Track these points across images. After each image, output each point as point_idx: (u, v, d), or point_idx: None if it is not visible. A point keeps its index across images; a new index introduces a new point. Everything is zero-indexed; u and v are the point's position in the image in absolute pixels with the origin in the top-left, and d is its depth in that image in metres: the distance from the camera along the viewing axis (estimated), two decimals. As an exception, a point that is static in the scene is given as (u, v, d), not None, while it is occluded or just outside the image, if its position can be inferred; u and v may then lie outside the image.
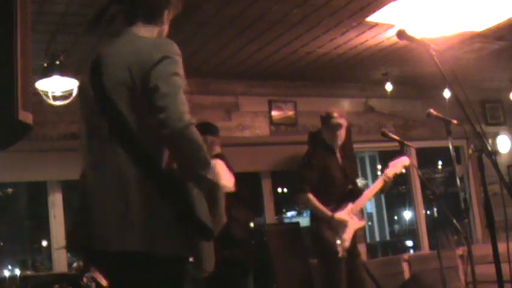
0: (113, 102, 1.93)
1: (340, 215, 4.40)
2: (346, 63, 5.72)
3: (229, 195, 3.95)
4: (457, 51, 5.45)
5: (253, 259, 4.14)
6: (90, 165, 2.02)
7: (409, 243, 8.70)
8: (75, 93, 4.31)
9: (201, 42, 4.79)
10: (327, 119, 4.56)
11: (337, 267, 4.34)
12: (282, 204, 8.39)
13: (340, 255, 4.29)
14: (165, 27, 2.21)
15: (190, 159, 1.88)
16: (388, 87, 6.22)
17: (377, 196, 8.33)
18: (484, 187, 2.87)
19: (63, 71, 4.36)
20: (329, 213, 4.38)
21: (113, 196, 1.91)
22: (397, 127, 6.69)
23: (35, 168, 5.02)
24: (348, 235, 4.38)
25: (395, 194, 9.53)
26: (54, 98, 4.50)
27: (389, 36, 5.00)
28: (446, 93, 6.10)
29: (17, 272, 5.88)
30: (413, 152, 6.57)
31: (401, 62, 5.82)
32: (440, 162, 8.87)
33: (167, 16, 2.19)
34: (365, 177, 9.07)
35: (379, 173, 8.90)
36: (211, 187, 1.94)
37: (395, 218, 10.05)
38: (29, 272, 4.38)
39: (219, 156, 4.03)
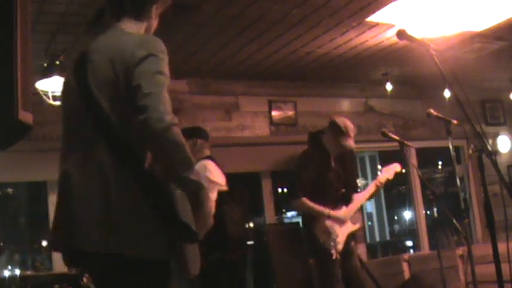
0: (97, 100, 1.90)
1: (337, 213, 4.44)
2: (346, 63, 5.72)
3: (222, 194, 4.00)
4: (457, 51, 5.45)
5: (250, 257, 4.16)
6: (72, 164, 1.97)
7: (409, 243, 8.70)
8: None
9: (201, 42, 4.79)
10: (339, 131, 4.54)
11: (331, 268, 4.38)
12: (282, 204, 8.38)
13: (333, 257, 4.33)
14: (154, 22, 2.18)
15: (171, 161, 1.84)
16: (388, 87, 6.22)
17: (377, 196, 8.36)
18: (484, 187, 2.87)
19: (63, 71, 4.36)
20: (326, 210, 4.42)
21: (96, 196, 1.88)
22: (397, 127, 6.68)
23: (35, 168, 5.01)
24: (341, 237, 4.44)
25: (395, 194, 9.53)
26: (54, 98, 4.49)
27: (389, 36, 5.00)
28: (446, 93, 6.09)
29: (17, 272, 5.87)
30: (413, 152, 6.57)
31: (401, 62, 5.81)
32: (440, 162, 8.86)
33: (155, 11, 2.16)
34: (365, 177, 9.07)
35: (379, 173, 8.91)
36: (195, 188, 1.88)
37: (395, 218, 10.04)
38: (29, 272, 4.38)
39: (208, 158, 4.10)
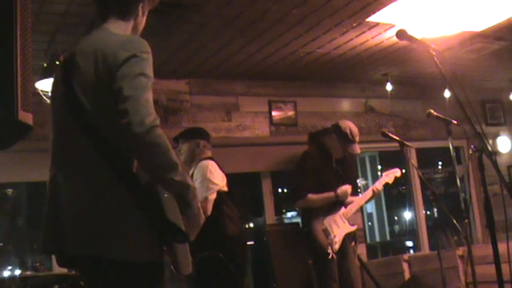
0: (81, 103, 1.89)
1: (342, 190, 4.46)
2: (346, 63, 5.72)
3: (222, 194, 4.02)
4: (457, 51, 5.45)
5: (250, 256, 4.18)
6: (59, 166, 1.98)
7: (409, 243, 8.68)
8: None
9: (201, 42, 4.79)
10: (346, 138, 4.57)
11: (328, 267, 4.42)
12: (282, 204, 8.37)
13: (330, 256, 4.37)
14: (141, 21, 2.17)
15: (155, 163, 1.83)
16: (388, 87, 6.22)
17: (377, 196, 8.35)
18: (484, 187, 2.87)
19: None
20: (331, 193, 4.47)
21: (82, 199, 1.88)
22: (397, 127, 6.68)
23: (35, 168, 5.00)
24: (338, 237, 4.49)
25: (396, 194, 9.52)
26: (54, 98, 4.49)
27: (389, 36, 5.00)
28: (447, 94, 6.09)
29: (17, 272, 5.87)
30: (413, 152, 6.57)
31: (401, 62, 5.81)
32: (440, 163, 8.85)
33: (142, 9, 2.14)
34: (365, 177, 9.06)
35: (379, 173, 8.90)
36: (181, 189, 1.87)
37: (396, 218, 10.03)
38: (29, 272, 4.37)
39: (210, 159, 4.12)
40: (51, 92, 2.13)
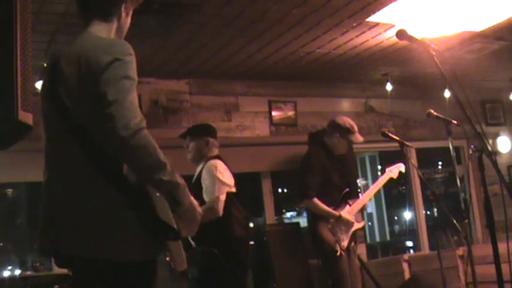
0: (69, 108, 1.91)
1: (347, 215, 4.49)
2: (346, 63, 5.72)
3: (230, 195, 3.98)
4: (457, 51, 5.45)
5: (251, 257, 4.17)
6: (52, 166, 2.01)
7: (409, 243, 8.68)
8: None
9: (201, 42, 4.79)
10: (348, 131, 4.57)
11: (339, 265, 4.42)
12: (281, 204, 8.37)
13: (338, 253, 4.38)
14: (126, 21, 2.17)
15: (142, 165, 1.84)
16: (388, 87, 6.22)
17: (377, 196, 8.37)
18: (484, 187, 2.87)
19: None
20: (336, 213, 4.48)
21: (73, 200, 1.89)
22: (397, 127, 6.68)
23: (35, 168, 4.98)
24: (346, 235, 4.48)
25: (396, 194, 9.52)
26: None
27: (389, 36, 5.00)
28: (447, 94, 6.09)
29: (17, 272, 5.87)
30: (413, 152, 6.57)
31: (401, 62, 5.81)
32: (440, 163, 8.85)
33: (125, 10, 2.14)
34: (365, 177, 9.06)
35: (379, 173, 8.89)
36: (170, 188, 1.87)
37: (396, 218, 10.03)
38: (29, 272, 4.37)
39: (218, 157, 4.07)
40: (40, 93, 2.14)
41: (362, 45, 5.21)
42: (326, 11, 4.35)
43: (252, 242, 6.55)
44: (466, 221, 3.42)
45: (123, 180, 1.88)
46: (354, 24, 4.68)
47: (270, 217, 6.10)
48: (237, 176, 4.15)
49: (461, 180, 5.09)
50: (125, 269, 1.88)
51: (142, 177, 1.88)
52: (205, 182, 3.91)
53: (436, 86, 6.26)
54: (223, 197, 3.86)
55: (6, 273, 5.98)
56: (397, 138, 4.07)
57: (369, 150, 8.02)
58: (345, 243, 4.46)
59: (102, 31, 2.06)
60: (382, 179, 4.76)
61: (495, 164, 2.56)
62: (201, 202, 3.82)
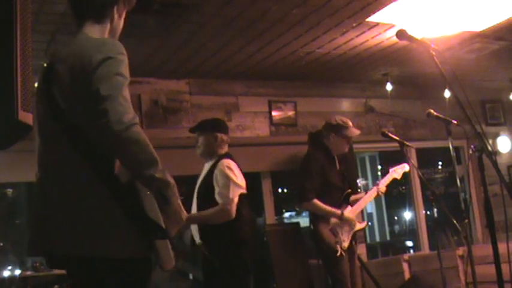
0: (63, 109, 1.93)
1: (349, 214, 4.48)
2: (346, 63, 5.72)
3: (241, 197, 3.89)
4: (457, 51, 5.45)
5: (254, 258, 4.15)
6: (46, 167, 2.02)
7: (409, 243, 8.69)
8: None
9: (201, 42, 4.79)
10: (340, 128, 4.56)
11: (340, 265, 4.42)
12: (281, 204, 8.37)
13: (338, 254, 4.37)
14: (118, 23, 2.19)
15: (134, 160, 1.85)
16: (388, 87, 6.22)
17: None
18: (484, 187, 2.87)
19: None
20: (338, 211, 4.46)
21: (68, 200, 1.91)
22: (397, 127, 6.69)
23: (35, 168, 5.00)
24: (347, 236, 4.47)
25: (396, 194, 9.52)
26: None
27: (389, 36, 5.00)
28: (447, 94, 6.09)
29: (17, 272, 5.87)
30: (413, 152, 6.57)
31: (401, 62, 5.81)
32: (440, 163, 8.85)
33: (117, 12, 2.16)
34: (365, 177, 9.05)
35: (379, 173, 8.89)
36: (161, 185, 1.88)
37: (396, 218, 10.03)
38: (28, 272, 4.37)
39: (228, 155, 4.01)
40: (35, 94, 2.15)
41: (362, 45, 5.21)
42: (326, 11, 4.35)
43: (251, 242, 6.57)
44: (466, 221, 3.42)
45: (114, 180, 1.90)
46: (354, 24, 4.68)
47: (270, 217, 6.10)
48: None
49: (461, 180, 5.09)
50: (120, 267, 1.89)
51: (134, 173, 1.89)
52: (218, 183, 3.83)
53: (436, 86, 6.26)
54: (236, 199, 3.79)
55: (6, 273, 5.97)
56: (397, 138, 4.06)
57: (369, 150, 8.01)
58: (346, 244, 4.45)
59: (96, 32, 2.09)
60: (386, 180, 4.71)
61: (495, 164, 2.56)
62: (211, 201, 3.81)
